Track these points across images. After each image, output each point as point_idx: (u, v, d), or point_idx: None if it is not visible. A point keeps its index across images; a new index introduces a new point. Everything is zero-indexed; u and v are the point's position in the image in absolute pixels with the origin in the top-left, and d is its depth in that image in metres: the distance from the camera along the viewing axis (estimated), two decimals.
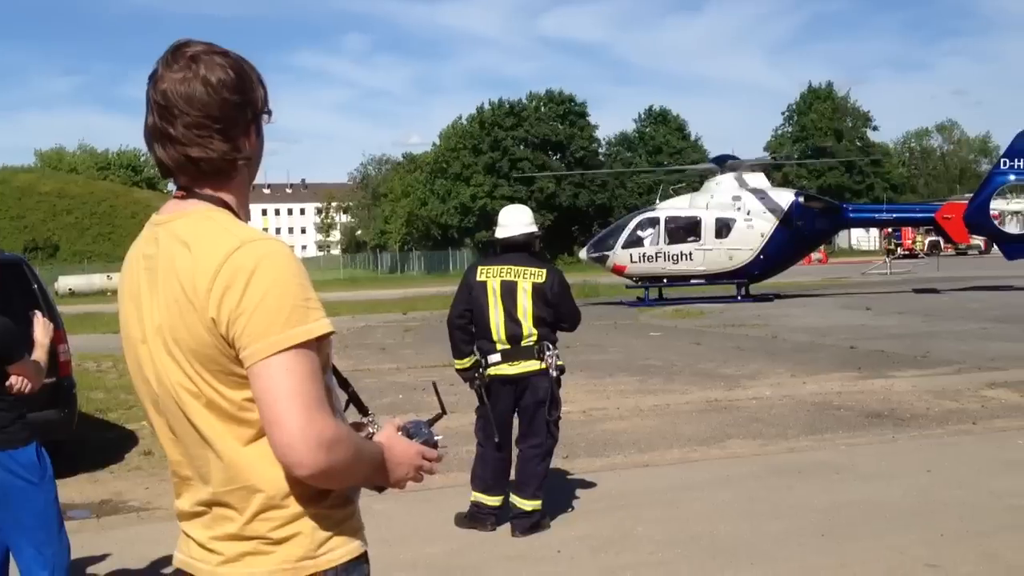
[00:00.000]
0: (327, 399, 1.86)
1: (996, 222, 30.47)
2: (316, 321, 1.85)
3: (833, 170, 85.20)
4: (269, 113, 2.03)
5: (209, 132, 1.90)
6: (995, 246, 34.60)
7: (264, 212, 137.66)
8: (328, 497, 1.94)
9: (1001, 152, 31.78)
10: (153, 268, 1.94)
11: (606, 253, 30.37)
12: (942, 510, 6.39)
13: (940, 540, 5.77)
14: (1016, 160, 28.64)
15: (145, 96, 1.94)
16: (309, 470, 1.79)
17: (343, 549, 1.96)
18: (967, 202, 30.37)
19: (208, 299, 1.82)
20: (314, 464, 1.78)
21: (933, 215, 30.83)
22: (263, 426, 1.83)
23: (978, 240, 50.32)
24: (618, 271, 30.37)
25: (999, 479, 7.14)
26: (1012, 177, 28.89)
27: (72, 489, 8.03)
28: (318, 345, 1.85)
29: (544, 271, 6.37)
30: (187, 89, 1.88)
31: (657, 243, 29.57)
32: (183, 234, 1.90)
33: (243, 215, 1.99)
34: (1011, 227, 31.39)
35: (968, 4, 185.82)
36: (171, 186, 2.04)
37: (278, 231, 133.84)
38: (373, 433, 2.08)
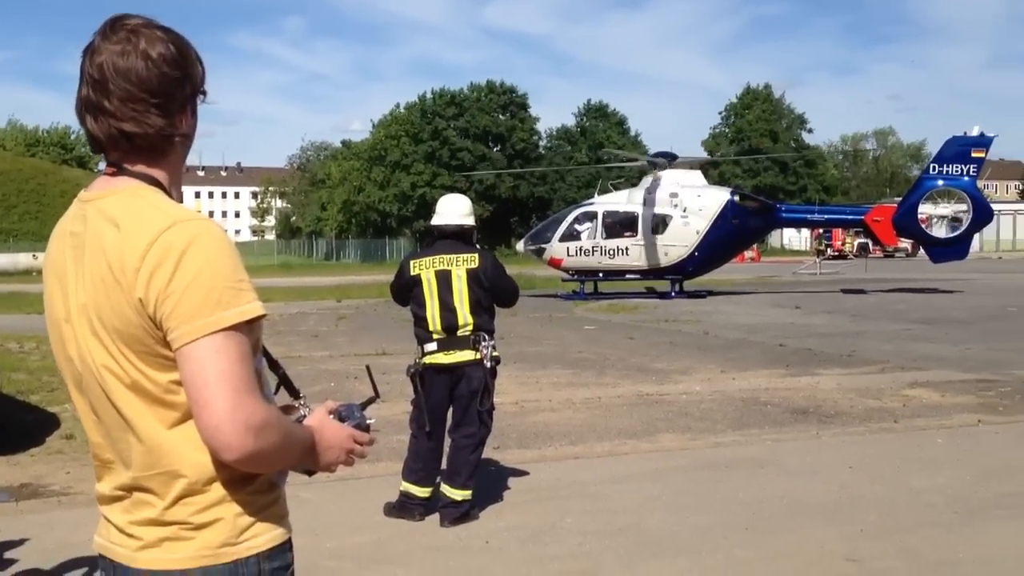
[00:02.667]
0: (257, 382, 1.84)
1: (924, 226, 31.09)
2: (248, 303, 1.83)
3: (768, 170, 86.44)
4: (205, 93, 2.01)
5: (146, 107, 1.86)
6: (922, 249, 35.44)
7: (198, 195, 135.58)
8: (252, 483, 1.92)
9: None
10: (80, 246, 1.89)
11: (543, 246, 30.48)
12: (863, 506, 6.53)
13: (860, 535, 5.90)
14: (945, 166, 29.27)
15: (80, 69, 1.90)
16: (237, 454, 1.78)
17: (266, 536, 1.94)
18: (896, 205, 31.01)
19: (136, 279, 1.79)
20: (242, 448, 1.77)
21: (863, 217, 31.40)
22: (190, 409, 1.80)
23: (906, 243, 51.51)
24: (554, 264, 30.50)
25: (918, 476, 7.32)
26: (941, 182, 29.51)
27: None
28: (249, 328, 1.83)
29: (476, 255, 6.41)
30: (125, 62, 1.85)
31: (594, 237, 29.75)
32: (112, 212, 1.86)
33: (175, 194, 1.96)
34: (938, 231, 32.03)
35: (902, 11, 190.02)
36: (103, 165, 2.00)
37: (212, 214, 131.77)
38: (304, 416, 2.06)
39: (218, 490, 1.88)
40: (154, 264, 1.78)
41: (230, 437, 1.76)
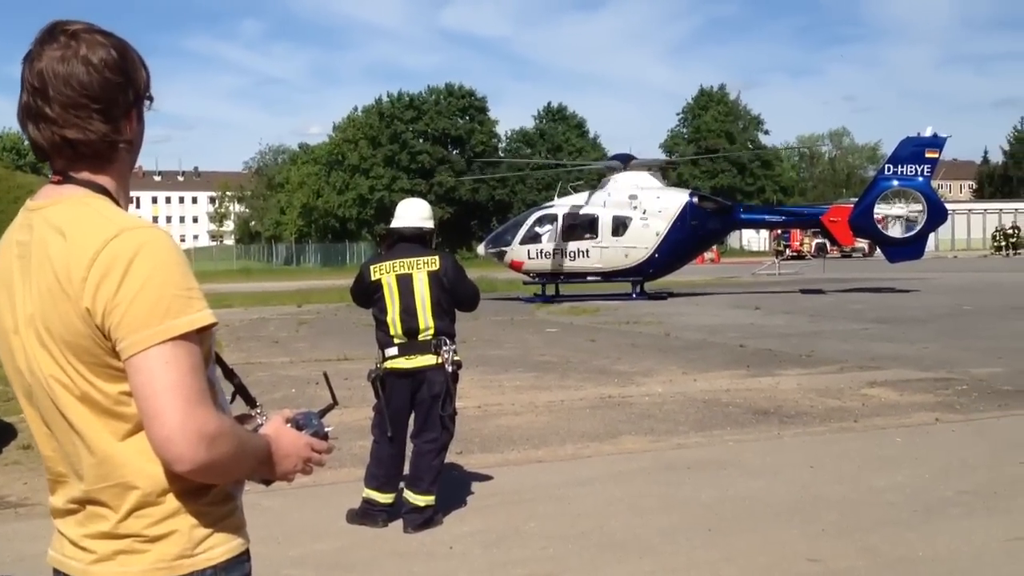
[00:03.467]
0: (209, 392, 1.81)
1: (879, 226, 31.42)
2: (198, 312, 1.80)
3: (726, 171, 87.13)
4: (151, 98, 1.97)
5: (88, 113, 1.83)
6: (878, 249, 35.84)
7: (155, 200, 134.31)
8: (207, 493, 1.89)
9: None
10: (26, 255, 1.86)
11: (504, 249, 30.47)
12: (823, 505, 6.58)
13: (821, 535, 5.94)
14: (900, 166, 29.63)
15: (20, 76, 1.86)
16: (189, 465, 1.75)
17: (223, 547, 1.91)
18: (852, 206, 31.35)
19: (83, 288, 1.76)
20: (195, 459, 1.74)
21: (820, 218, 31.68)
22: (141, 420, 1.77)
23: (862, 243, 52.02)
24: (516, 267, 30.50)
25: (878, 475, 7.39)
26: (896, 182, 29.86)
27: None
28: (199, 337, 1.80)
29: (437, 258, 6.40)
30: (66, 68, 1.81)
31: (555, 240, 29.80)
32: (58, 221, 1.83)
33: (122, 202, 1.92)
34: (894, 231, 32.41)
35: (856, 12, 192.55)
36: None
37: (169, 220, 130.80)
38: (261, 425, 2.04)
39: (172, 502, 1.85)
40: (101, 273, 1.75)
41: (182, 448, 1.73)
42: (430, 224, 6.58)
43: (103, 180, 1.90)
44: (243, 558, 1.97)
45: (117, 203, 1.90)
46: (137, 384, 1.75)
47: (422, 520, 6.23)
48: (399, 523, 6.27)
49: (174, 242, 1.86)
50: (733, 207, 33.03)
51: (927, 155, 29.41)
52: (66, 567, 1.93)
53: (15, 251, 1.89)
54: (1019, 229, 64.85)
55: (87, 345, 1.78)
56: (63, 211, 1.84)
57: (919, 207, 30.04)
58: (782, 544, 5.78)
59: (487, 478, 7.48)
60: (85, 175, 1.88)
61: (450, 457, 7.00)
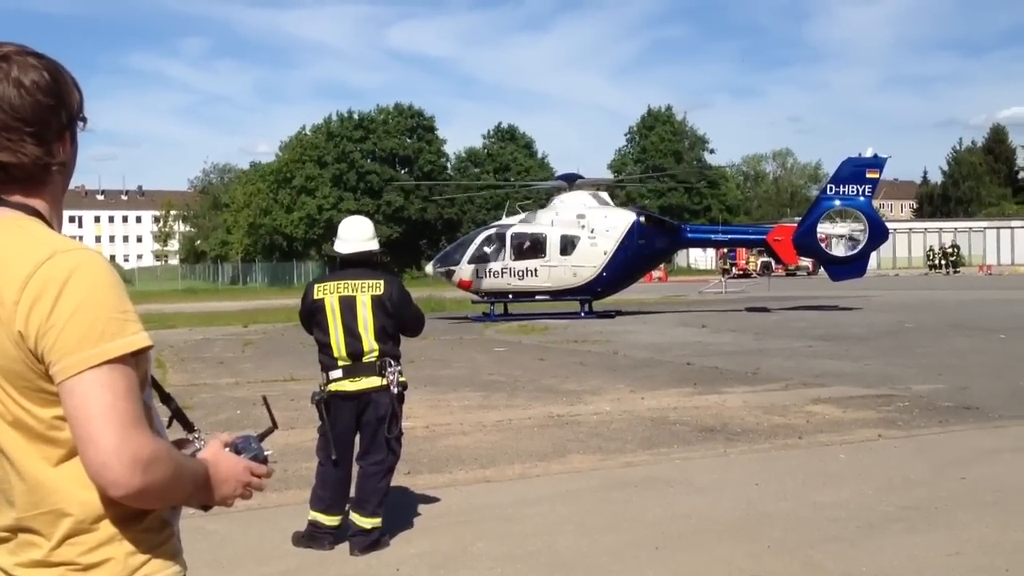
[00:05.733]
0: (144, 416, 1.79)
1: (823, 245, 31.96)
2: (133, 335, 1.77)
3: (673, 191, 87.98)
4: (85, 120, 1.95)
5: (20, 136, 1.81)
6: (822, 267, 36.38)
7: (97, 219, 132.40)
8: (143, 520, 1.86)
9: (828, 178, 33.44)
10: None
11: (452, 268, 30.46)
12: (768, 522, 6.64)
13: (766, 552, 5.99)
14: (841, 186, 30.14)
15: None
16: (125, 490, 1.72)
17: (160, 574, 1.88)
18: (796, 225, 31.81)
19: (15, 311, 1.73)
20: (130, 484, 1.72)
21: (765, 237, 32.13)
22: (75, 445, 1.74)
23: (806, 262, 52.84)
24: (464, 286, 30.49)
25: (822, 492, 7.47)
26: (838, 202, 30.37)
27: None
28: (135, 360, 1.78)
29: (382, 282, 6.33)
30: None
31: (503, 259, 29.84)
32: None
33: (56, 224, 1.91)
34: (836, 250, 32.92)
35: (797, 35, 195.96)
36: None
37: (112, 239, 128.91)
38: (199, 449, 2.02)
39: (107, 528, 1.82)
40: (34, 296, 1.72)
41: (117, 473, 1.71)
42: (374, 244, 6.53)
43: (36, 203, 1.88)
44: None
45: (50, 225, 1.88)
46: (71, 408, 1.72)
47: (369, 542, 6.17)
48: (345, 546, 6.20)
49: (108, 264, 1.83)
50: (680, 226, 33.39)
51: (868, 175, 29.96)
52: None
53: None
54: (958, 248, 66.28)
55: (20, 369, 1.75)
56: None
57: (860, 226, 30.57)
58: (728, 561, 5.81)
59: (434, 499, 7.44)
60: (17, 198, 1.86)
61: (397, 478, 6.95)
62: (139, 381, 1.80)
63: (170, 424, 2.09)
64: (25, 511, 1.81)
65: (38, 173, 1.86)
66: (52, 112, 1.85)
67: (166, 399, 2.07)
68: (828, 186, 31.22)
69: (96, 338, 1.72)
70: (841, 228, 32.89)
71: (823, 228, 31.40)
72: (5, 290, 1.74)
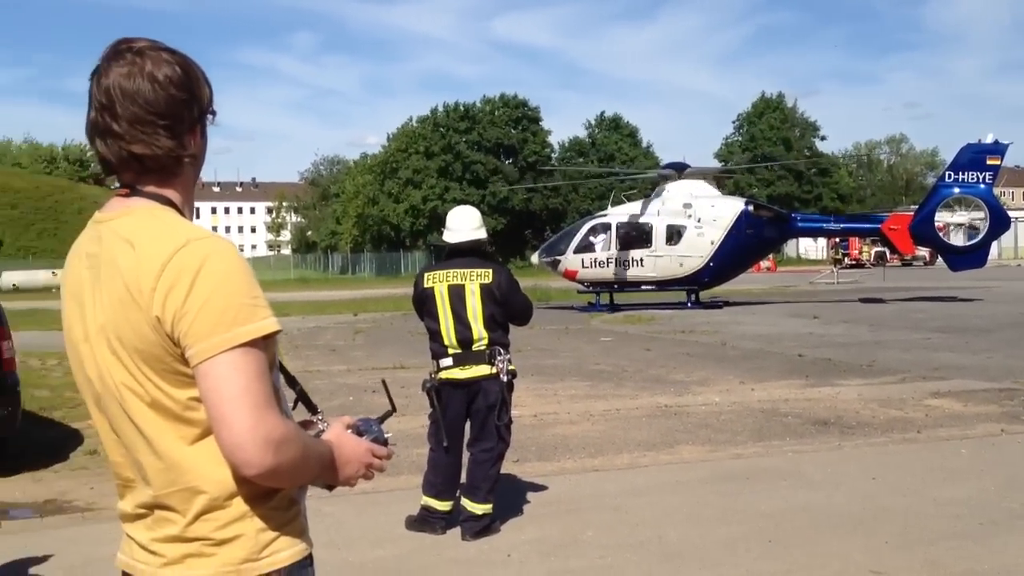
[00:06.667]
0: (275, 398, 1.84)
1: (941, 234, 30.97)
2: (263, 319, 1.82)
3: (782, 179, 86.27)
4: (214, 113, 2.01)
5: (154, 128, 1.87)
6: (940, 257, 35.24)
7: (214, 210, 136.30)
8: (273, 498, 1.91)
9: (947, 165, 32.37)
10: (96, 267, 1.90)
11: (558, 258, 30.46)
12: (886, 517, 6.46)
13: (884, 547, 5.84)
14: (961, 173, 29.15)
15: (88, 93, 1.90)
16: (257, 469, 1.77)
17: (287, 551, 1.93)
18: (913, 213, 30.87)
19: (152, 298, 1.79)
20: (262, 463, 1.77)
21: (880, 226, 31.26)
22: (210, 425, 1.80)
23: (923, 251, 51.25)
24: (569, 276, 30.46)
25: (942, 488, 7.24)
26: (957, 190, 29.39)
27: (15, 488, 7.88)
28: (265, 344, 1.83)
29: (490, 271, 6.36)
30: (132, 85, 1.85)
31: (608, 249, 29.71)
32: (127, 232, 1.87)
33: (188, 213, 1.97)
34: (955, 239, 31.89)
35: (915, 18, 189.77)
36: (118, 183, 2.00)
37: (228, 230, 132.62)
38: (322, 431, 2.07)
39: (239, 506, 1.88)
40: (170, 283, 1.78)
41: (250, 453, 1.76)
42: (483, 233, 6.55)
43: (169, 193, 1.94)
44: (306, 562, 1.99)
45: (183, 214, 1.94)
46: (206, 390, 1.78)
47: (480, 528, 6.23)
48: (457, 531, 6.28)
49: (239, 252, 1.89)
50: (790, 215, 32.70)
51: (988, 162, 28.90)
52: (135, 570, 1.96)
53: (85, 263, 1.94)
54: None
55: (157, 352, 1.81)
56: (132, 223, 1.88)
57: (981, 214, 29.52)
58: (844, 556, 5.69)
59: (543, 487, 7.46)
60: (152, 188, 1.92)
61: (507, 466, 6.99)
62: (268, 364, 1.85)
63: (295, 406, 2.14)
64: (161, 488, 1.88)
65: (171, 165, 1.92)
66: (184, 106, 1.90)
67: (291, 382, 2.12)
68: (946, 173, 30.21)
69: (229, 323, 1.77)
70: (960, 216, 31.87)
71: (941, 216, 30.43)
72: (142, 278, 1.80)
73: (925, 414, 10.32)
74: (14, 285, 52.24)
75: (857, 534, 6.11)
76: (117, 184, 1.96)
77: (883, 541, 5.94)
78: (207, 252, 1.81)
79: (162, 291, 1.78)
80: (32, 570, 5.73)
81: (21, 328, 16.45)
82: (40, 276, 53.28)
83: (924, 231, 29.71)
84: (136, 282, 1.81)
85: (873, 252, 61.85)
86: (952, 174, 29.55)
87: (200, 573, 1.87)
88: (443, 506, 6.37)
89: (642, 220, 29.98)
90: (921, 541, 5.94)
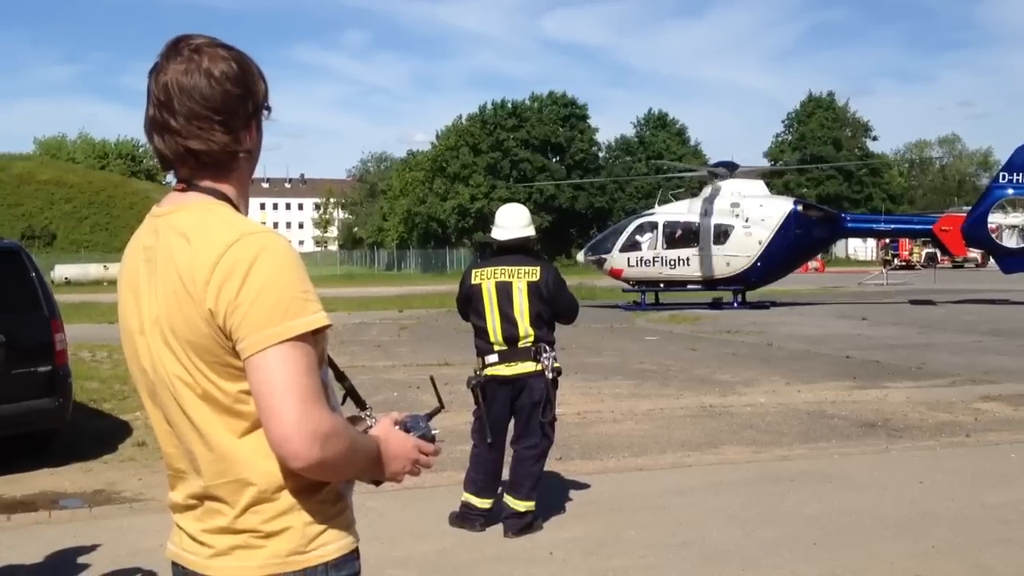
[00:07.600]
0: (323, 392, 1.86)
1: (994, 235, 30.45)
2: (314, 314, 1.85)
3: (832, 179, 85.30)
4: (269, 109, 2.03)
5: (210, 124, 1.90)
6: (992, 259, 34.64)
7: (262, 206, 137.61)
8: (320, 491, 1.93)
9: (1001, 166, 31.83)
10: (152, 259, 1.93)
11: (604, 256, 30.39)
12: (934, 522, 6.39)
13: (931, 552, 5.77)
14: (1015, 174, 28.65)
15: (146, 89, 1.94)
16: (305, 463, 1.79)
17: (335, 544, 1.96)
18: (965, 215, 30.40)
19: (206, 291, 1.82)
20: (309, 457, 1.79)
21: (931, 227, 30.84)
22: (259, 418, 1.83)
23: (975, 253, 50.43)
24: (615, 275, 30.38)
25: (991, 492, 7.14)
26: (1011, 191, 28.90)
27: (65, 479, 8.02)
28: (315, 338, 1.85)
29: (538, 268, 6.37)
30: (189, 81, 1.88)
31: (655, 248, 29.59)
32: (182, 226, 1.90)
33: (243, 208, 1.99)
34: (1009, 241, 31.33)
35: (971, 16, 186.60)
36: (170, 178, 2.04)
37: (276, 225, 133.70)
38: (370, 427, 2.08)
39: (287, 499, 1.90)
40: (223, 276, 1.81)
41: (298, 446, 1.78)
42: (531, 231, 6.57)
43: (224, 187, 1.97)
44: (353, 556, 2.01)
45: (237, 209, 1.97)
46: (255, 382, 1.80)
47: (522, 525, 6.25)
48: (500, 527, 6.29)
49: (291, 247, 1.91)
50: (839, 215, 32.35)
51: None
52: (185, 561, 1.99)
53: (142, 255, 1.97)
54: None
55: (209, 345, 1.84)
56: (187, 217, 1.91)
57: None
58: (890, 560, 5.63)
59: (586, 485, 7.46)
60: (207, 183, 1.95)
61: (550, 464, 7.00)
62: (318, 358, 1.87)
63: (344, 401, 2.15)
64: (211, 480, 1.91)
65: (226, 160, 1.95)
66: (240, 101, 1.93)
67: (341, 377, 2.13)
68: (1001, 174, 29.71)
69: (280, 316, 1.80)
70: (1015, 218, 31.28)
71: (995, 218, 29.93)
72: (197, 271, 1.83)
73: (975, 418, 10.17)
74: (66, 278, 53.17)
75: (904, 538, 6.05)
76: (170, 179, 2.00)
77: (930, 545, 5.87)
78: (261, 246, 1.83)
79: (215, 284, 1.81)
80: (81, 559, 5.84)
81: (73, 321, 16.76)
82: (92, 270, 54.23)
83: (977, 232, 29.25)
84: (190, 275, 1.84)
85: (924, 253, 60.98)
86: (1006, 175, 29.06)
87: (248, 564, 1.90)
88: (483, 503, 6.39)
89: (689, 219, 29.83)
90: (969, 546, 5.86)
